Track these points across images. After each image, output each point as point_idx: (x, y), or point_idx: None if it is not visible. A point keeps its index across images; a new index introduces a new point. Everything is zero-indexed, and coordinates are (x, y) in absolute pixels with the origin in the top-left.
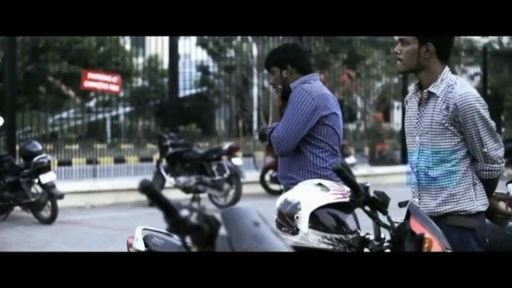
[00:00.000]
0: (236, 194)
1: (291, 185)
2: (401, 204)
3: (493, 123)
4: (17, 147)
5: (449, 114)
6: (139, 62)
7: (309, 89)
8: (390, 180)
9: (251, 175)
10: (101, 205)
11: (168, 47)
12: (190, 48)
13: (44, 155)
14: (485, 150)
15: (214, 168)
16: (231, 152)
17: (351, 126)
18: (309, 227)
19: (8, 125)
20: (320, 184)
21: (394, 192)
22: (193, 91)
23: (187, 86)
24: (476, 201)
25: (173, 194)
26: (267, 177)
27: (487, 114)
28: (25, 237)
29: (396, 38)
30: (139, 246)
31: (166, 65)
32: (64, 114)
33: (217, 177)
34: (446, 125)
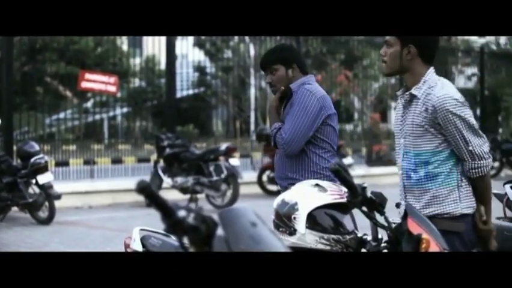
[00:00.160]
0: (233, 194)
1: (292, 185)
2: (398, 205)
3: (473, 121)
4: (15, 147)
5: (429, 116)
6: (136, 62)
7: (313, 89)
8: (388, 180)
9: (248, 176)
10: (99, 206)
11: (165, 47)
12: (187, 49)
13: (41, 155)
14: (470, 148)
15: (211, 168)
16: (228, 153)
17: (349, 127)
18: (307, 227)
19: (5, 125)
20: (317, 185)
21: (391, 193)
22: (191, 92)
23: (184, 87)
24: (461, 204)
25: (170, 195)
26: (265, 178)
27: (467, 113)
28: (23, 238)
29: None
30: (137, 246)
31: (163, 65)
32: (61, 115)
33: (215, 178)
34: (426, 127)
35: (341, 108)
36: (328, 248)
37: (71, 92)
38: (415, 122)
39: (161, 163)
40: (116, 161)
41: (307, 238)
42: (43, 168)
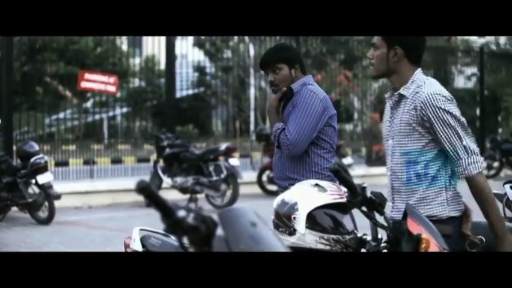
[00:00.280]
0: (233, 194)
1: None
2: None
3: (463, 119)
4: (14, 147)
5: (417, 113)
6: (136, 62)
7: (316, 90)
8: (387, 180)
9: (248, 176)
10: (98, 206)
11: (165, 47)
12: (187, 49)
13: (41, 155)
14: (464, 143)
15: (211, 168)
16: (228, 153)
17: (348, 127)
18: (306, 227)
19: (5, 125)
20: (317, 185)
21: None
22: (190, 92)
23: (184, 87)
24: (448, 207)
25: (170, 195)
26: (264, 178)
27: (456, 110)
28: (22, 238)
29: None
30: (137, 246)
31: (163, 65)
32: (61, 115)
33: (214, 178)
34: (414, 125)
35: (341, 108)
36: (328, 248)
37: (71, 92)
38: (403, 120)
39: (161, 163)
40: (116, 161)
41: (307, 238)
42: (43, 168)
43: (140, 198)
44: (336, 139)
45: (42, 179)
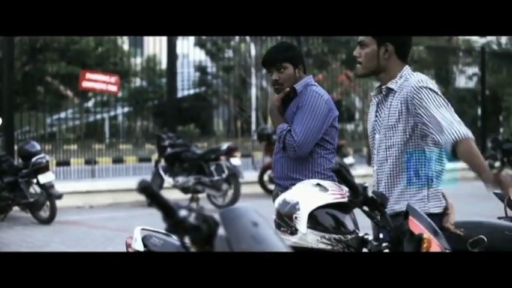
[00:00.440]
0: (235, 194)
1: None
2: None
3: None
4: (16, 147)
5: (406, 101)
6: (137, 62)
7: (320, 91)
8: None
9: (249, 175)
10: (100, 205)
11: (166, 47)
12: (188, 49)
13: (42, 155)
14: (455, 117)
15: (212, 168)
16: (229, 152)
17: (350, 127)
18: (308, 227)
19: (6, 125)
20: (318, 184)
21: None
22: (192, 91)
23: (185, 86)
24: (429, 203)
25: (171, 194)
26: (266, 178)
27: (442, 95)
28: (24, 238)
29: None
30: (138, 246)
31: (164, 65)
32: (62, 115)
33: (216, 178)
34: (400, 118)
35: (342, 108)
36: (329, 247)
37: (72, 91)
38: (391, 113)
39: (163, 163)
40: (117, 160)
41: (309, 238)
42: (44, 168)
43: (141, 198)
44: (337, 139)
45: (43, 178)
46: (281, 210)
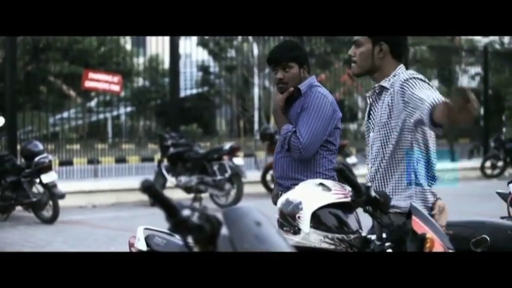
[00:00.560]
0: (237, 193)
1: (296, 186)
2: None
3: None
4: (18, 147)
5: (394, 95)
6: (140, 61)
7: (325, 93)
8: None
9: (252, 175)
10: (103, 205)
11: (169, 46)
12: (191, 48)
13: (45, 154)
14: (439, 95)
15: (215, 168)
16: (232, 152)
17: (352, 126)
18: (311, 226)
19: (9, 124)
20: (321, 184)
21: None
22: (194, 91)
23: (188, 86)
24: (414, 202)
25: (174, 194)
26: (268, 177)
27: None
28: (26, 237)
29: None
30: (141, 246)
31: (167, 64)
32: (65, 114)
33: (219, 177)
34: (389, 112)
35: (345, 108)
36: (332, 247)
37: (75, 91)
38: (383, 109)
39: (165, 162)
40: (120, 160)
41: (312, 237)
42: (47, 168)
43: (144, 197)
44: (339, 140)
45: (46, 178)
46: (284, 210)
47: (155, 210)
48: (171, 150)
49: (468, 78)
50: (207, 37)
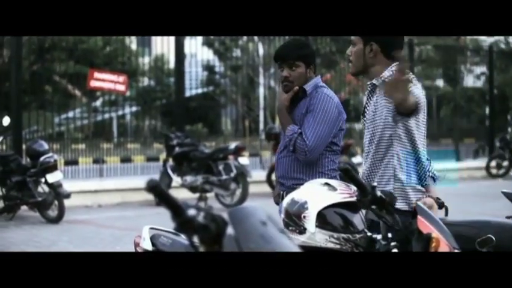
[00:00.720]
0: (243, 193)
1: (298, 186)
2: None
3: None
4: (24, 146)
5: (380, 92)
6: (145, 61)
7: (331, 94)
8: None
9: (258, 174)
10: (108, 204)
11: (174, 46)
12: (196, 48)
13: (50, 154)
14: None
15: (220, 167)
16: (237, 152)
17: (358, 126)
18: (316, 226)
19: (14, 124)
20: (326, 184)
21: None
22: (200, 90)
23: (193, 86)
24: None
25: (180, 194)
26: (274, 177)
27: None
28: (31, 237)
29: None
30: (147, 245)
31: (172, 64)
32: (70, 114)
33: (224, 177)
34: (376, 109)
35: (350, 107)
36: (338, 247)
37: (80, 91)
38: (372, 106)
39: (171, 162)
40: (126, 159)
41: (317, 237)
42: (52, 167)
43: (149, 197)
44: (342, 140)
45: (51, 177)
46: (290, 210)
47: (161, 210)
48: (176, 149)
49: (473, 77)
50: (212, 37)
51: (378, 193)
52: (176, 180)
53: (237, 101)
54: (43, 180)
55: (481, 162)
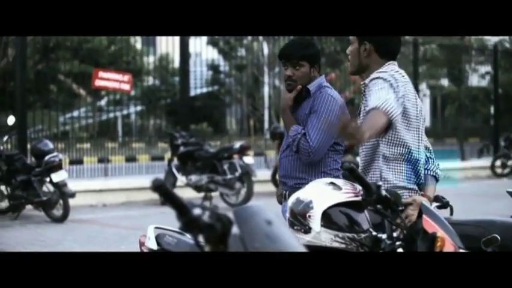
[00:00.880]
0: (247, 192)
1: (301, 185)
2: None
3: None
4: (29, 146)
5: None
6: (150, 60)
7: (334, 95)
8: None
9: (262, 174)
10: (113, 204)
11: (179, 45)
12: (201, 47)
13: (55, 153)
14: (390, 96)
15: (225, 167)
16: (242, 151)
17: None
18: (322, 225)
19: (19, 123)
20: (332, 183)
21: None
22: (204, 90)
23: (198, 85)
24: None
25: (184, 193)
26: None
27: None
28: (36, 236)
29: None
30: (152, 245)
31: (177, 63)
32: (75, 113)
33: (229, 176)
34: (364, 110)
35: (355, 106)
36: (343, 246)
37: (85, 90)
38: (363, 107)
39: (176, 161)
40: (130, 159)
41: (322, 236)
42: (57, 167)
43: (154, 196)
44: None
45: (56, 177)
46: (295, 209)
47: (166, 209)
48: (181, 149)
49: (478, 77)
50: (216, 36)
51: (384, 192)
52: (181, 179)
53: (242, 101)
54: (48, 179)
55: (486, 161)
